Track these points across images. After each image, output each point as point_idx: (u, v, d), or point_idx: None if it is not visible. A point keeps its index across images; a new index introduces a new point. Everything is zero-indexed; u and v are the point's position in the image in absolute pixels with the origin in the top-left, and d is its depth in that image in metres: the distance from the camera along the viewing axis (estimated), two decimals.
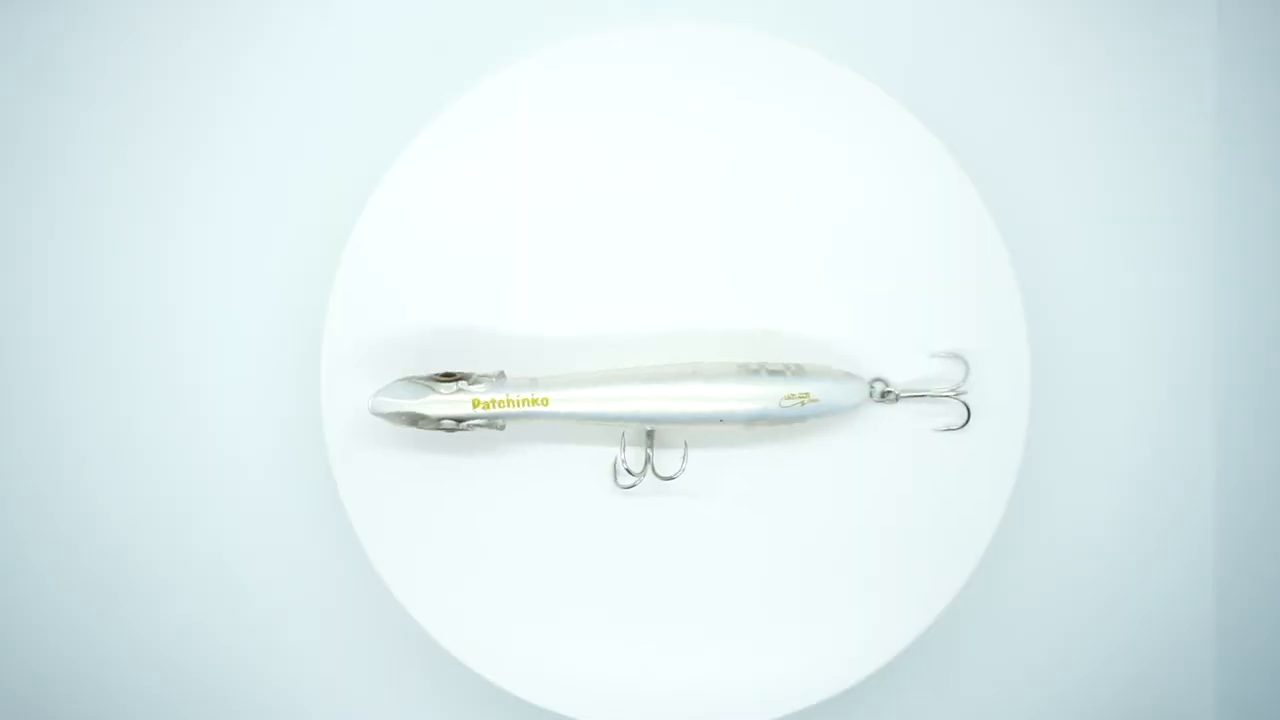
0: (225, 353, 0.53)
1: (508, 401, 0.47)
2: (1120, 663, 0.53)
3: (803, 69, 0.50)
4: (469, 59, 0.53)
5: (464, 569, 0.49)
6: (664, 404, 0.48)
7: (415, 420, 0.47)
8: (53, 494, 0.53)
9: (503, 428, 0.48)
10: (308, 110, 0.53)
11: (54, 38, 0.53)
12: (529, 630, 0.49)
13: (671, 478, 0.50)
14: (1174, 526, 0.53)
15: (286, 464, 0.53)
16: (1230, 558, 0.53)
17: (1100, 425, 0.53)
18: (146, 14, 0.54)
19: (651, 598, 0.50)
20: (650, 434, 0.49)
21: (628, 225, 0.50)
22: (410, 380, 0.47)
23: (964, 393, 0.49)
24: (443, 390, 0.47)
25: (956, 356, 0.50)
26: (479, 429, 0.48)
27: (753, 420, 0.48)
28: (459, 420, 0.47)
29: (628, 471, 0.50)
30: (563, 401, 0.48)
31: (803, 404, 0.48)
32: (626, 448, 0.50)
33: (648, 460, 0.49)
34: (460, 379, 0.47)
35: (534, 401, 0.47)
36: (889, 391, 0.49)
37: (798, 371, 0.48)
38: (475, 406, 0.47)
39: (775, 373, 0.48)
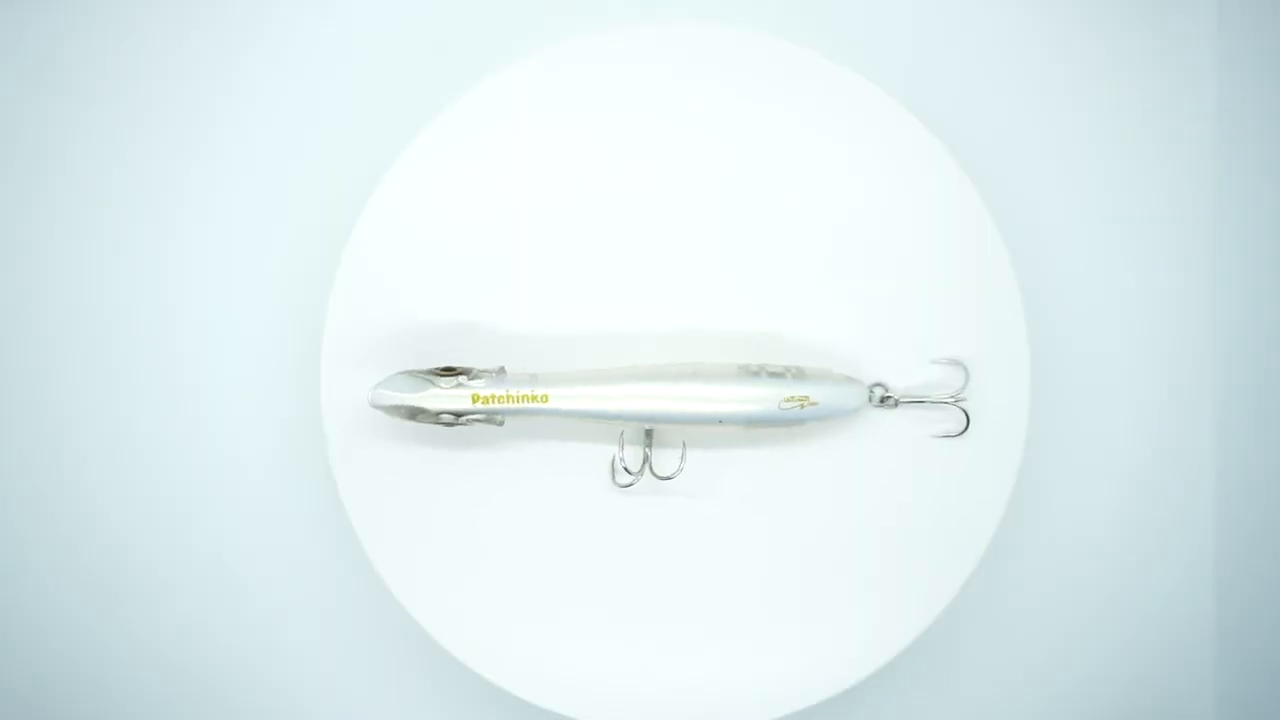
0: (225, 353, 0.53)
1: (507, 397, 0.47)
2: (1120, 663, 0.53)
3: (803, 69, 0.50)
4: (469, 59, 0.53)
5: (464, 568, 0.49)
6: (663, 403, 0.48)
7: (414, 414, 0.47)
8: (53, 494, 0.53)
9: (502, 423, 0.48)
10: (308, 110, 0.53)
11: (54, 38, 0.53)
12: (529, 630, 0.49)
13: (669, 477, 0.50)
14: (1174, 526, 0.53)
15: (286, 464, 0.53)
16: (1230, 558, 0.53)
17: (1100, 425, 0.53)
18: (146, 14, 0.54)
19: (651, 598, 0.50)
20: (649, 433, 0.49)
21: (628, 225, 0.50)
22: (410, 374, 0.47)
23: (964, 400, 0.49)
24: (443, 384, 0.47)
25: (957, 363, 0.50)
26: (478, 424, 0.48)
27: (752, 422, 0.48)
28: (458, 415, 0.47)
29: (625, 470, 0.50)
30: (562, 398, 0.48)
31: (802, 407, 0.48)
32: (625, 447, 0.50)
33: (646, 459, 0.49)
34: (460, 374, 0.47)
35: (534, 398, 0.48)
36: (888, 396, 0.49)
37: (798, 374, 0.48)
38: (475, 401, 0.47)
39: (775, 375, 0.48)
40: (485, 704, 0.52)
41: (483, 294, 0.50)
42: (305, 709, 0.53)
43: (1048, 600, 0.53)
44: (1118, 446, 0.53)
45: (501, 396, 0.47)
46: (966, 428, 0.49)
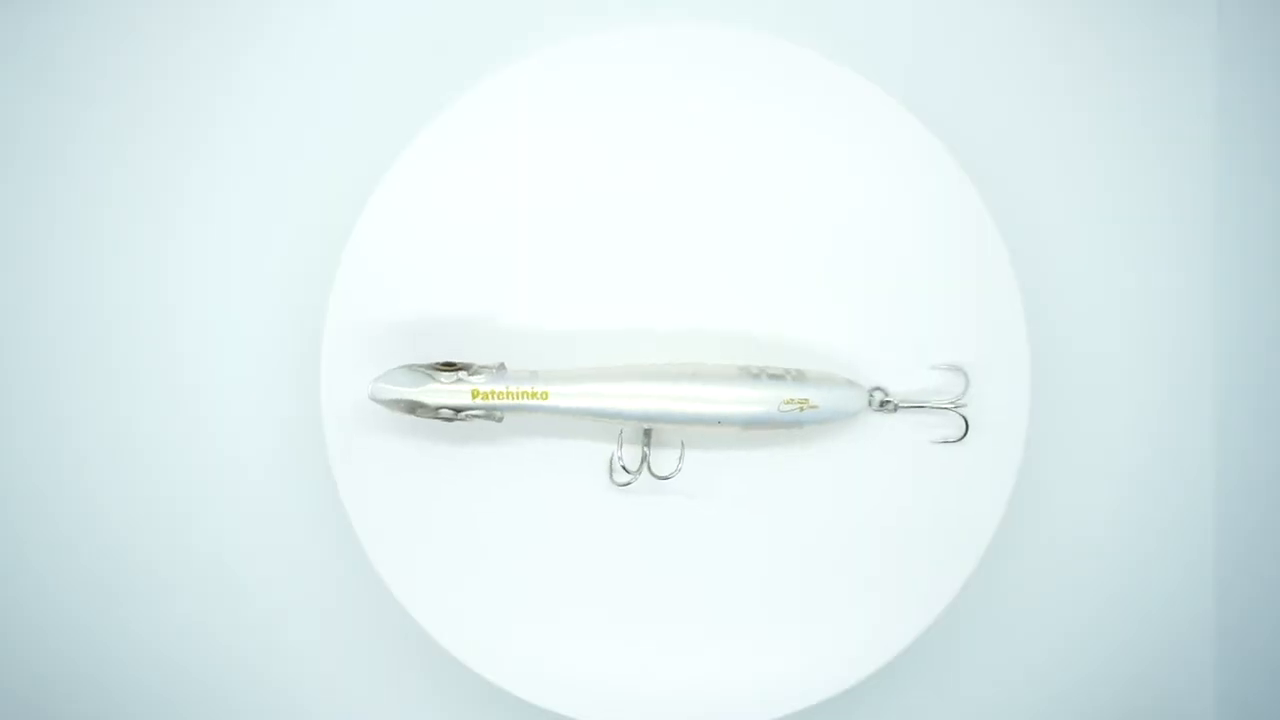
0: (225, 353, 0.53)
1: (507, 393, 0.47)
2: (1120, 663, 0.53)
3: (803, 69, 0.50)
4: (469, 59, 0.53)
5: (463, 568, 0.49)
6: (663, 403, 0.48)
7: (413, 408, 0.47)
8: (53, 494, 0.53)
9: (501, 419, 0.48)
10: (308, 110, 0.53)
11: (54, 38, 0.53)
12: (529, 630, 0.49)
13: (667, 477, 0.50)
14: (1174, 526, 0.53)
15: (286, 464, 0.53)
16: (1230, 558, 0.53)
17: (1100, 425, 0.53)
18: (146, 14, 0.54)
19: (651, 598, 0.50)
20: (648, 433, 0.49)
21: (628, 226, 0.50)
22: (411, 368, 0.47)
23: (963, 406, 0.49)
24: (443, 379, 0.47)
25: (957, 369, 0.49)
26: (477, 419, 0.48)
27: (751, 423, 0.48)
28: (457, 410, 0.47)
29: (624, 469, 0.50)
30: (562, 396, 0.48)
31: (801, 410, 0.48)
32: (623, 446, 0.50)
33: (644, 459, 0.49)
34: (461, 369, 0.48)
35: (533, 395, 0.48)
36: (888, 401, 0.49)
37: (798, 377, 0.48)
38: (474, 397, 0.47)
39: (775, 377, 0.48)
40: (485, 704, 0.52)
41: (483, 294, 0.50)
42: (305, 709, 0.53)
43: (1048, 600, 0.53)
44: (1118, 446, 0.53)
45: (501, 393, 0.47)
46: (965, 434, 0.49)
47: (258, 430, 0.53)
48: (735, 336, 0.50)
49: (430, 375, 0.47)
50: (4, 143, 0.53)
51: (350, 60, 0.54)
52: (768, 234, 0.50)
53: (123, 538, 0.53)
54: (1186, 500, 0.53)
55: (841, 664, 0.49)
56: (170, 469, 0.53)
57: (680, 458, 0.50)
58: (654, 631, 0.50)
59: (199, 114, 0.53)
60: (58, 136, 0.53)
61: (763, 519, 0.50)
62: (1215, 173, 0.54)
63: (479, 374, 0.48)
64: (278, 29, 0.54)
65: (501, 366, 0.48)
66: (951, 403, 0.49)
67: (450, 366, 0.48)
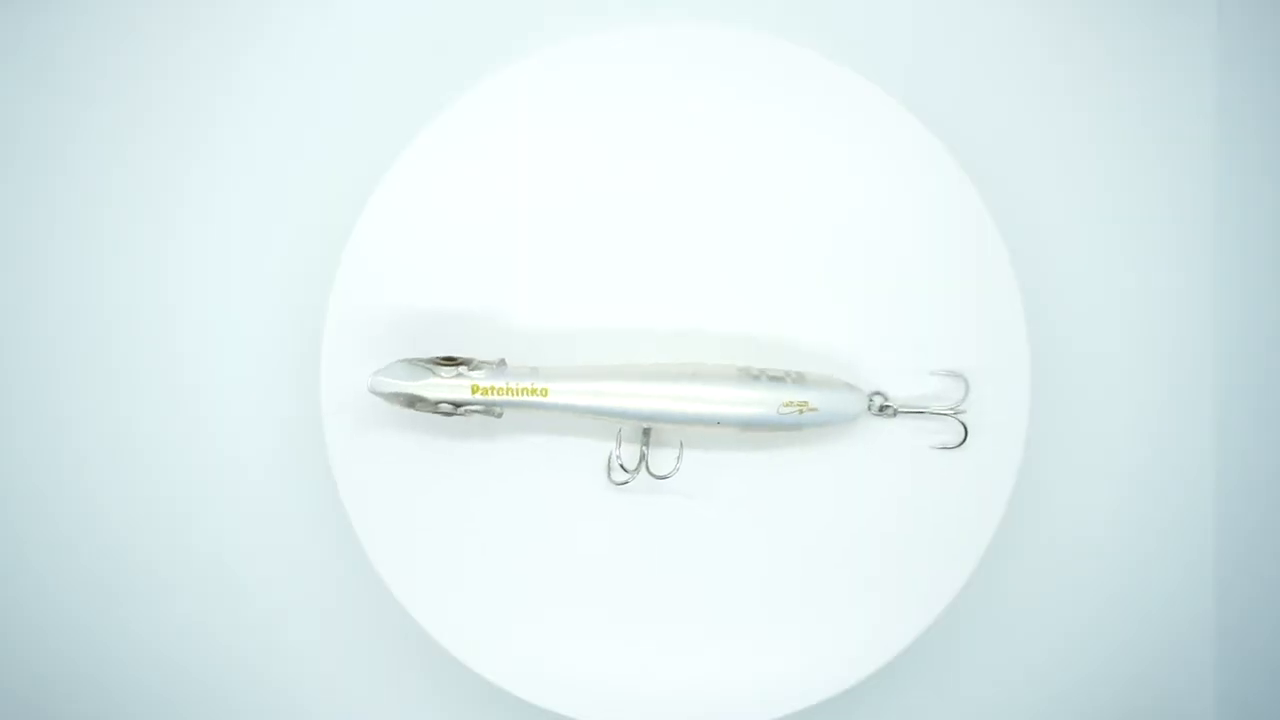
0: (225, 353, 0.53)
1: (507, 389, 0.47)
2: (1120, 663, 0.53)
3: (803, 69, 0.50)
4: (469, 59, 0.53)
5: (463, 567, 0.49)
6: (662, 403, 0.48)
7: (413, 402, 0.47)
8: (53, 494, 0.53)
9: (500, 415, 0.48)
10: (308, 110, 0.53)
11: (54, 38, 0.53)
12: (529, 630, 0.49)
13: (665, 477, 0.49)
14: (1174, 526, 0.53)
15: (286, 464, 0.53)
16: (1230, 558, 0.53)
17: (1100, 425, 0.53)
18: (146, 14, 0.54)
19: (651, 598, 0.50)
20: (647, 432, 0.49)
21: (628, 226, 0.50)
22: (411, 362, 0.47)
23: (962, 412, 0.49)
24: (443, 374, 0.47)
25: (957, 375, 0.49)
26: (476, 415, 0.48)
27: (749, 425, 0.48)
28: (456, 405, 0.47)
29: (621, 468, 0.50)
30: (562, 393, 0.48)
31: (801, 412, 0.48)
32: (622, 444, 0.50)
33: (642, 458, 0.49)
34: (461, 364, 0.48)
35: (533, 391, 0.48)
36: (887, 406, 0.49)
37: (798, 379, 0.48)
38: (474, 392, 0.47)
39: (775, 379, 0.48)
40: (485, 704, 0.52)
41: (483, 294, 0.50)
42: (305, 709, 0.53)
43: (1048, 600, 0.53)
44: (1118, 446, 0.53)
45: (501, 389, 0.47)
46: (964, 440, 0.49)
47: (258, 430, 0.53)
48: (735, 337, 0.50)
49: (430, 369, 0.47)
50: (4, 143, 0.53)
51: (350, 60, 0.54)
52: (767, 234, 0.50)
53: (123, 538, 0.53)
54: (1186, 500, 0.53)
55: (841, 664, 0.49)
56: (170, 469, 0.53)
57: (678, 457, 0.50)
58: (654, 631, 0.50)
59: (199, 114, 0.53)
60: (58, 136, 0.53)
61: (762, 520, 0.50)
62: (1215, 173, 0.54)
63: (479, 369, 0.48)
64: (278, 29, 0.54)
65: (502, 362, 0.48)
66: (951, 409, 0.49)
67: (450, 361, 0.48)
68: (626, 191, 0.50)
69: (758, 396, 0.48)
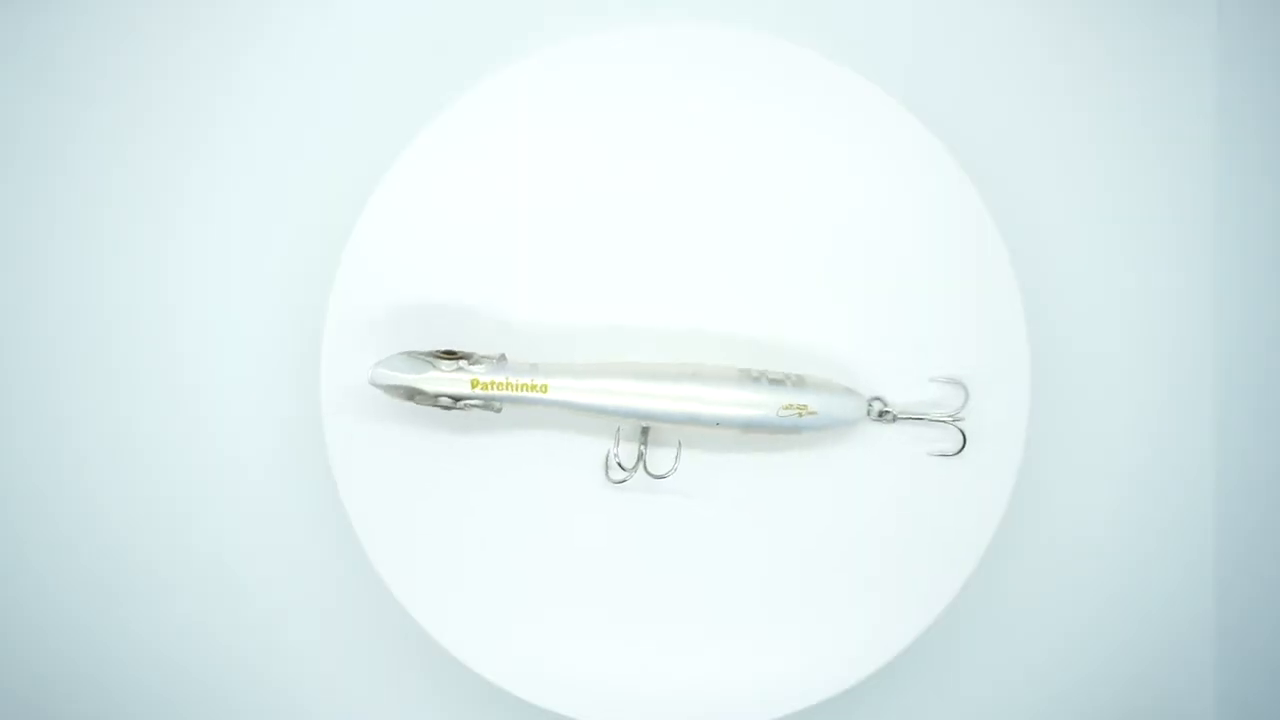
0: (225, 353, 0.53)
1: (507, 384, 0.47)
2: (1120, 663, 0.53)
3: (803, 69, 0.50)
4: (469, 59, 0.53)
5: (463, 567, 0.49)
6: (661, 402, 0.48)
7: (412, 394, 0.47)
8: (53, 494, 0.53)
9: (499, 410, 0.48)
10: (308, 110, 0.53)
11: (54, 38, 0.53)
12: (529, 630, 0.49)
13: (663, 476, 0.49)
14: (1174, 526, 0.53)
15: (286, 464, 0.53)
16: (1230, 558, 0.53)
17: (1100, 425, 0.53)
18: (146, 14, 0.54)
19: (651, 597, 0.50)
20: (645, 431, 0.49)
21: (628, 227, 0.50)
22: (412, 355, 0.47)
23: (961, 420, 0.49)
24: (443, 367, 0.47)
25: (956, 382, 0.49)
26: (475, 409, 0.48)
27: (749, 426, 0.48)
28: (456, 399, 0.47)
29: (619, 466, 0.50)
30: (561, 390, 0.48)
31: (800, 415, 0.48)
32: (620, 443, 0.50)
33: (640, 457, 0.49)
34: (462, 358, 0.48)
35: (533, 387, 0.48)
36: (887, 411, 0.49)
37: (798, 382, 0.48)
38: (474, 387, 0.47)
39: (776, 382, 0.48)
40: (485, 704, 0.52)
41: (482, 295, 0.50)
42: (305, 709, 0.53)
43: (1048, 600, 0.53)
44: (1118, 446, 0.53)
45: (501, 384, 0.47)
46: (963, 448, 0.49)
47: (258, 430, 0.53)
48: (735, 337, 0.50)
49: (431, 363, 0.47)
50: (4, 143, 0.53)
51: (350, 60, 0.54)
52: (767, 234, 0.50)
53: (123, 538, 0.53)
54: (1186, 500, 0.53)
55: (841, 664, 0.49)
56: (170, 469, 0.53)
57: (677, 457, 0.50)
58: (654, 631, 0.50)
59: (199, 114, 0.53)
60: (58, 136, 0.53)
61: (762, 520, 0.50)
62: (1215, 173, 0.54)
63: (479, 364, 0.48)
64: (278, 29, 0.54)
65: (502, 358, 0.48)
66: (950, 416, 0.49)
67: (451, 355, 0.48)
68: (626, 192, 0.50)
69: (757, 399, 0.48)
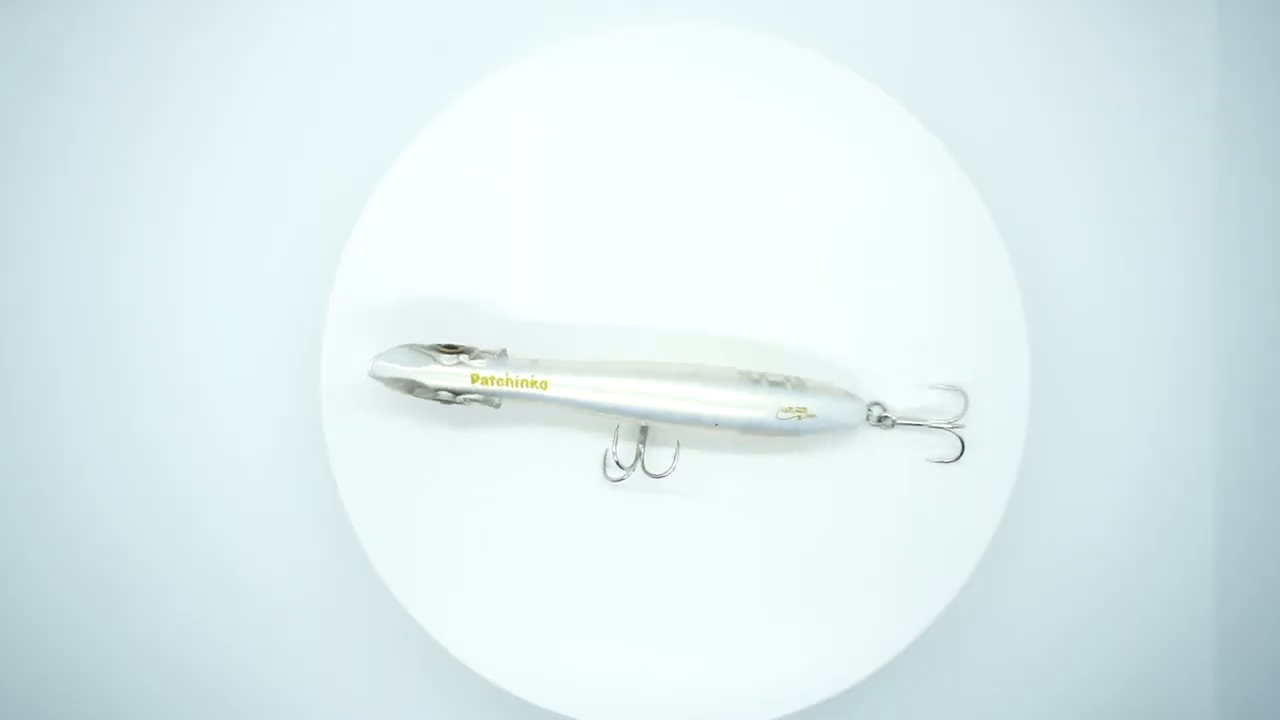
0: (225, 353, 0.53)
1: (507, 380, 0.47)
2: (1120, 663, 0.53)
3: (803, 69, 0.50)
4: (469, 59, 0.53)
5: (463, 567, 0.49)
6: (661, 402, 0.48)
7: (412, 388, 0.47)
8: (53, 494, 0.53)
9: (499, 405, 0.48)
10: (308, 110, 0.53)
11: (54, 38, 0.53)
12: (529, 630, 0.49)
13: (661, 476, 0.49)
14: (1174, 526, 0.53)
15: (286, 464, 0.53)
16: (1230, 558, 0.53)
17: (1100, 425, 0.53)
18: (146, 14, 0.54)
19: (651, 597, 0.50)
20: (644, 430, 0.49)
21: (628, 227, 0.50)
22: (412, 348, 0.47)
23: (961, 427, 0.49)
24: (444, 361, 0.47)
25: (956, 389, 0.49)
26: (475, 404, 0.48)
27: (748, 428, 0.48)
28: (456, 393, 0.47)
29: (617, 465, 0.50)
30: (561, 387, 0.48)
31: (799, 418, 0.48)
32: (619, 441, 0.50)
33: (639, 456, 0.49)
34: (463, 352, 0.48)
35: (533, 383, 0.48)
36: (886, 417, 0.49)
37: (798, 385, 0.48)
38: (474, 381, 0.47)
39: (775, 384, 0.48)
40: (485, 704, 0.52)
41: (482, 295, 0.50)
42: (305, 709, 0.53)
43: (1048, 600, 0.53)
44: (1118, 446, 0.53)
45: (501, 379, 0.47)
46: (961, 455, 0.49)
47: (258, 430, 0.53)
48: (736, 338, 0.50)
49: (431, 356, 0.47)
50: (4, 143, 0.53)
51: (350, 60, 0.54)
52: (767, 234, 0.50)
53: (123, 538, 0.53)
54: (1186, 500, 0.53)
55: (841, 664, 0.49)
56: (170, 469, 0.53)
57: (675, 457, 0.50)
58: (654, 631, 0.50)
59: (199, 114, 0.53)
60: (58, 136, 0.53)
61: (762, 520, 0.50)
62: (1215, 173, 0.54)
63: (480, 358, 0.48)
64: (278, 29, 0.54)
65: (503, 353, 0.48)
66: (949, 423, 0.49)
67: (452, 349, 0.48)
68: (627, 192, 0.50)
69: (757, 400, 0.48)
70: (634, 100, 0.50)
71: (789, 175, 0.50)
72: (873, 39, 0.53)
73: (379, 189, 0.49)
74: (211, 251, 0.53)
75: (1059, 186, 0.54)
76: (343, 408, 0.49)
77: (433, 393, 0.47)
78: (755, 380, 0.48)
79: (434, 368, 0.47)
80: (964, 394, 0.49)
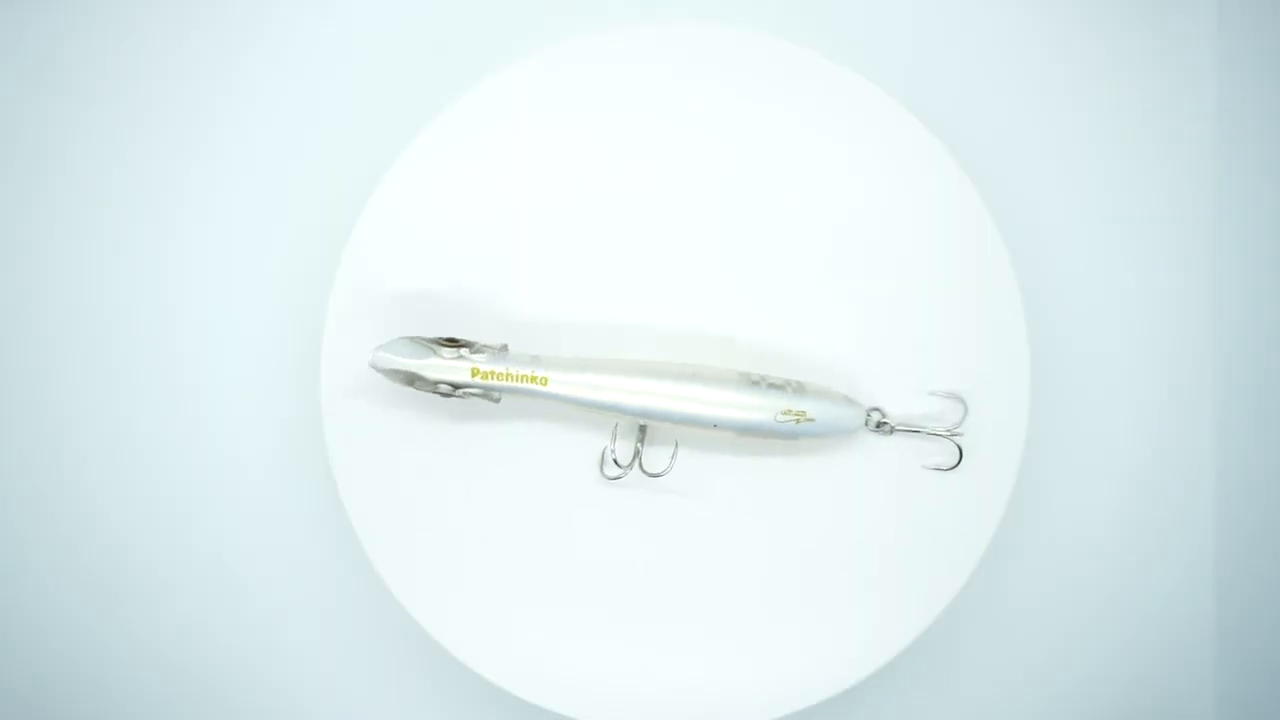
0: (225, 353, 0.53)
1: (507, 375, 0.47)
2: (1120, 663, 0.53)
3: (803, 69, 0.50)
4: (469, 59, 0.53)
5: (463, 567, 0.50)
6: (660, 401, 0.48)
7: (412, 380, 0.47)
8: (53, 494, 0.53)
9: (498, 400, 0.48)
10: (308, 110, 0.53)
11: (54, 38, 0.53)
12: (529, 630, 0.49)
13: (658, 475, 0.49)
14: (1174, 526, 0.53)
15: (286, 464, 0.53)
16: (1230, 558, 0.53)
17: (1100, 425, 0.53)
18: (146, 14, 0.54)
19: (651, 597, 0.50)
20: (643, 429, 0.49)
21: (628, 227, 0.50)
22: (413, 340, 0.47)
23: (959, 434, 0.49)
24: (445, 354, 0.47)
25: (955, 397, 0.49)
26: (474, 398, 0.48)
27: (746, 430, 0.48)
28: (455, 387, 0.47)
29: (615, 463, 0.50)
30: (561, 383, 0.48)
31: (798, 422, 0.48)
32: (617, 439, 0.50)
33: (637, 454, 0.49)
34: (463, 346, 0.48)
35: (533, 379, 0.47)
36: (884, 423, 0.49)
37: (798, 389, 0.48)
38: (474, 375, 0.47)
39: (775, 387, 0.48)
40: (485, 704, 0.52)
41: (482, 295, 0.50)
42: (305, 709, 0.53)
43: (1048, 600, 0.53)
44: (1118, 446, 0.53)
45: (501, 374, 0.47)
46: (959, 462, 0.49)
47: (258, 430, 0.53)
48: (736, 339, 0.50)
49: (432, 349, 0.47)
50: (4, 143, 0.53)
51: (350, 60, 0.54)
52: (767, 234, 0.50)
53: (123, 538, 0.53)
54: (1186, 500, 0.53)
55: (841, 664, 0.49)
56: (170, 469, 0.53)
57: (673, 456, 0.50)
58: (654, 631, 0.50)
59: (199, 114, 0.53)
60: (58, 136, 0.53)
61: (762, 521, 0.50)
62: (1215, 173, 0.54)
63: (481, 353, 0.48)
64: (278, 29, 0.54)
65: (504, 348, 0.48)
66: (948, 430, 0.49)
67: (453, 343, 0.48)
68: (627, 192, 0.50)
69: (756, 402, 0.48)
70: (634, 100, 0.50)
71: (789, 175, 0.50)
72: (873, 39, 0.53)
73: (379, 189, 0.49)
74: (211, 251, 0.53)
75: (1059, 186, 0.54)
76: (343, 408, 0.49)
77: (433, 385, 0.47)
78: (755, 382, 0.48)
79: (434, 360, 0.47)
80: (963, 401, 0.49)
